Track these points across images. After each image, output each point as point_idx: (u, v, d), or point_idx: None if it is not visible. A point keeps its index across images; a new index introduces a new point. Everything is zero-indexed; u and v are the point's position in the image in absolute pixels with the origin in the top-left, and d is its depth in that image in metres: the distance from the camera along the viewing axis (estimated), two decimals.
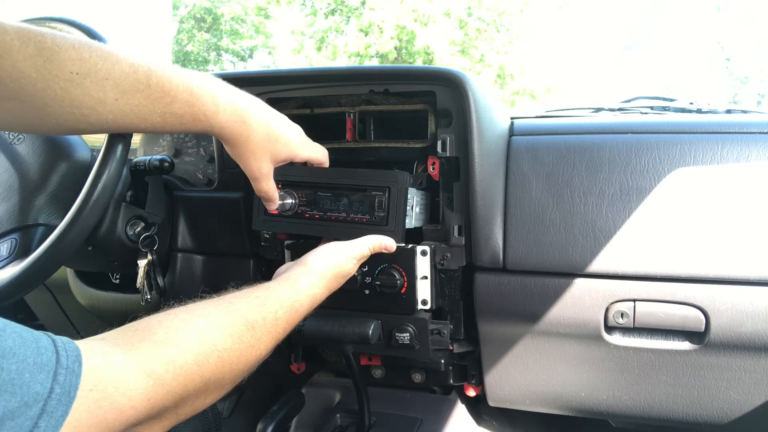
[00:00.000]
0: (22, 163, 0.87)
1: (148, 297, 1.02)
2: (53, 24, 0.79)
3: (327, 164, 0.87)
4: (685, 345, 0.88)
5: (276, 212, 0.88)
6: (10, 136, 0.88)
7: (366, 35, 12.16)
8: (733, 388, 0.89)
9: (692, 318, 0.85)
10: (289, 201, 0.88)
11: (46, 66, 0.57)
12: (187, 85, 0.66)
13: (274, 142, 0.76)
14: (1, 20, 0.57)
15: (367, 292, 0.89)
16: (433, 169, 0.93)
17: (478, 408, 1.17)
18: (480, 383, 1.04)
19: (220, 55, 14.69)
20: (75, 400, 0.41)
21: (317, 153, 0.84)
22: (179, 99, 0.65)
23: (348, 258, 0.77)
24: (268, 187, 0.80)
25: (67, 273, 1.22)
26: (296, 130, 0.80)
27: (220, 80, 0.72)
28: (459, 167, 0.90)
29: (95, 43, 0.62)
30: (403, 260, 0.87)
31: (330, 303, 0.78)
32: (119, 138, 0.77)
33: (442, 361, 1.03)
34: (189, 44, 14.00)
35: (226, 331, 0.58)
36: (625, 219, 0.85)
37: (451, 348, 0.99)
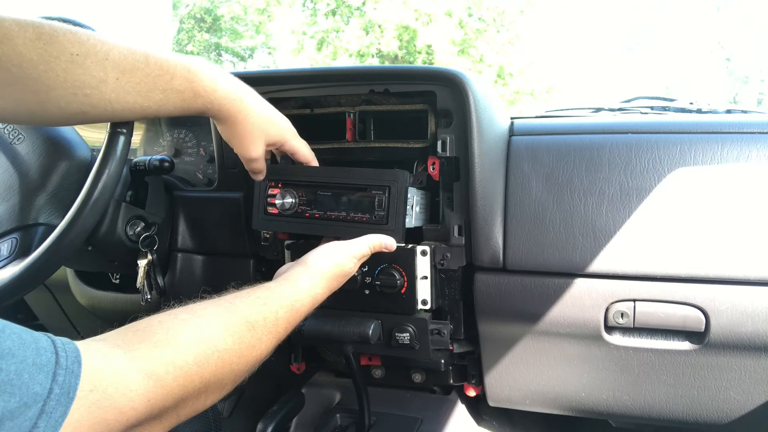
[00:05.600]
0: (22, 163, 0.87)
1: (148, 297, 1.02)
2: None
3: (315, 163, 0.88)
4: (685, 345, 0.88)
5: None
6: (10, 136, 0.88)
7: (367, 34, 12.14)
8: (733, 388, 0.89)
9: (692, 318, 0.85)
10: (289, 200, 0.88)
11: (47, 48, 0.58)
12: (184, 64, 0.68)
13: (269, 123, 0.78)
14: None
15: (367, 292, 0.89)
16: (433, 169, 0.93)
17: (478, 408, 1.17)
18: (480, 383, 1.04)
19: (220, 55, 14.69)
20: (74, 401, 0.41)
21: (305, 148, 0.86)
22: (178, 76, 0.67)
23: (348, 257, 0.77)
24: (261, 165, 0.83)
25: (67, 273, 1.22)
26: (287, 120, 0.84)
27: (213, 63, 0.73)
28: (459, 167, 0.90)
29: (91, 30, 0.63)
30: (403, 260, 0.87)
31: (330, 303, 0.78)
32: (119, 136, 0.77)
33: (442, 361, 1.03)
34: (189, 44, 13.99)
35: (226, 331, 0.58)
36: (625, 219, 0.85)
37: (451, 348, 0.99)
